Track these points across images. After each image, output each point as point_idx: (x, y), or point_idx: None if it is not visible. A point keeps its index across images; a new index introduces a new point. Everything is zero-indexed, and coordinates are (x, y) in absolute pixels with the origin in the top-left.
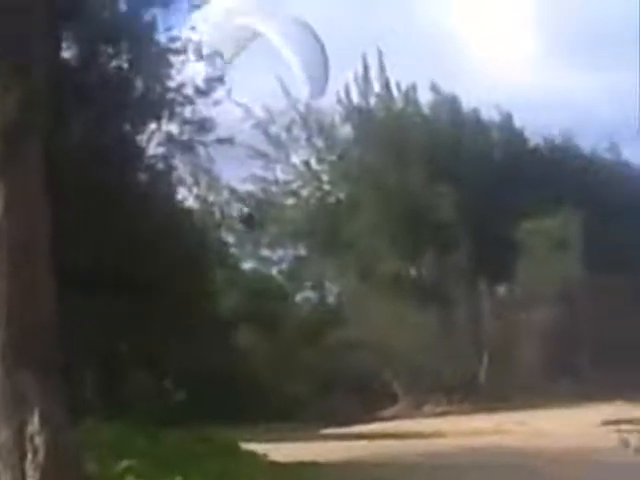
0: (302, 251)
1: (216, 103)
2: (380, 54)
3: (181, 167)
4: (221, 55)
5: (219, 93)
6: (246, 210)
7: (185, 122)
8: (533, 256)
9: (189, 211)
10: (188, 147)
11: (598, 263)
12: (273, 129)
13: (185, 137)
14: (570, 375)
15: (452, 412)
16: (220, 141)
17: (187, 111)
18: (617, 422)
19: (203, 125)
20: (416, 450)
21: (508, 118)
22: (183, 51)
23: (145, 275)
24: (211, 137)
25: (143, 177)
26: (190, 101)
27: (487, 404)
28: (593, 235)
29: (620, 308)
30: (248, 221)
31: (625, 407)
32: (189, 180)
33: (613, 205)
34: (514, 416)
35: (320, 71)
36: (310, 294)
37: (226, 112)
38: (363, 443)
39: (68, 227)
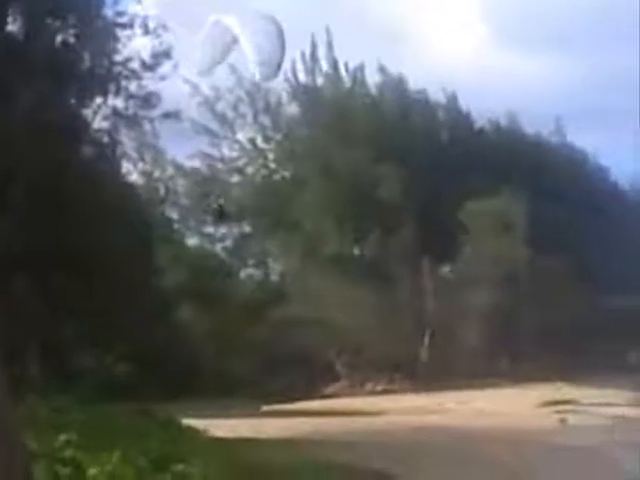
0: (247, 228)
1: (162, 78)
2: (329, 33)
3: (127, 142)
4: (165, 27)
5: (165, 68)
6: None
7: (131, 96)
8: (477, 237)
9: (134, 186)
10: (133, 121)
11: (542, 244)
12: (220, 106)
13: (130, 111)
14: (511, 356)
15: (394, 390)
16: (166, 115)
17: (133, 85)
18: (556, 403)
19: (149, 100)
20: (357, 427)
21: (454, 100)
22: (130, 25)
23: (91, 251)
24: (157, 112)
25: (89, 151)
26: (136, 75)
27: (429, 383)
28: (537, 216)
29: (563, 290)
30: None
31: (565, 388)
32: (134, 155)
33: (557, 187)
34: (455, 395)
35: (276, 56)
36: (254, 271)
37: (173, 88)
38: (304, 420)
39: (11, 204)
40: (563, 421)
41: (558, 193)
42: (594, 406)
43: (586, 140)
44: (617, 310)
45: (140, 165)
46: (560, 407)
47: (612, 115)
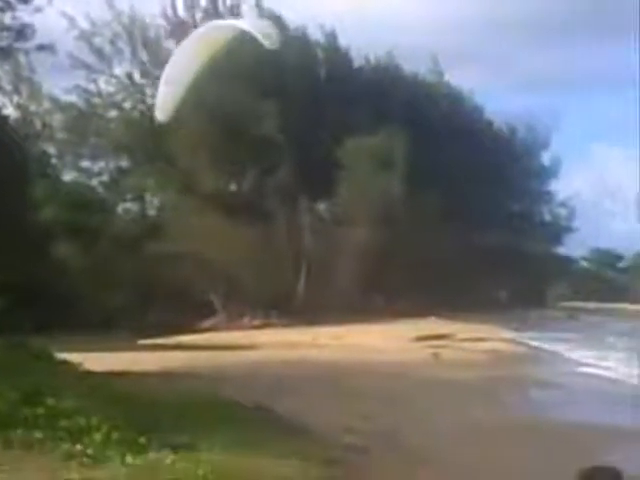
0: (124, 163)
1: (37, 10)
2: None
3: (1, 75)
4: None
5: (40, 0)
6: None
7: (4, 28)
8: (354, 174)
9: (9, 120)
10: (7, 53)
11: (418, 182)
12: (97, 41)
13: (4, 43)
14: (386, 292)
15: (270, 325)
16: (40, 48)
17: (7, 17)
18: (430, 337)
19: (23, 31)
20: (232, 361)
21: (333, 38)
22: None
23: None
24: (32, 44)
25: None
26: (10, 6)
27: (305, 318)
28: (414, 154)
29: (437, 228)
30: None
31: (438, 323)
32: (9, 88)
33: (434, 125)
34: (331, 330)
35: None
36: (131, 206)
37: (49, 21)
38: (179, 354)
39: None
40: (437, 355)
41: (434, 131)
42: (467, 341)
43: (462, 79)
44: (490, 247)
45: (15, 98)
46: (434, 342)
47: (489, 55)
